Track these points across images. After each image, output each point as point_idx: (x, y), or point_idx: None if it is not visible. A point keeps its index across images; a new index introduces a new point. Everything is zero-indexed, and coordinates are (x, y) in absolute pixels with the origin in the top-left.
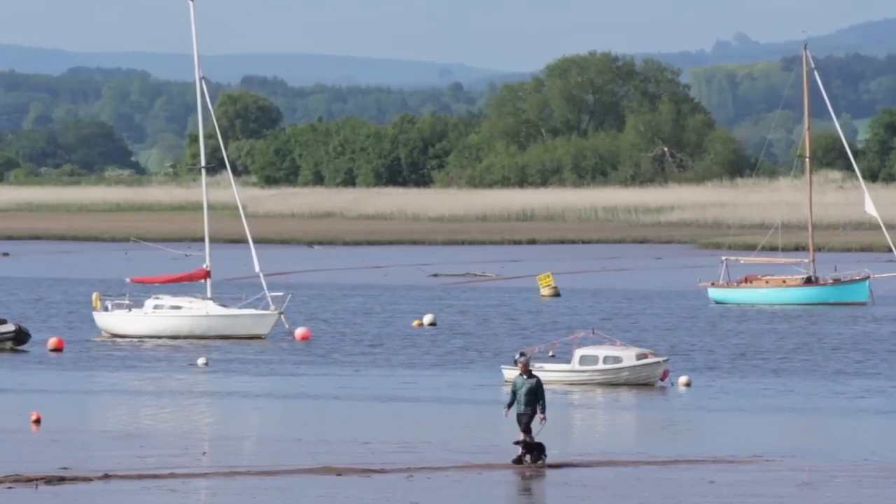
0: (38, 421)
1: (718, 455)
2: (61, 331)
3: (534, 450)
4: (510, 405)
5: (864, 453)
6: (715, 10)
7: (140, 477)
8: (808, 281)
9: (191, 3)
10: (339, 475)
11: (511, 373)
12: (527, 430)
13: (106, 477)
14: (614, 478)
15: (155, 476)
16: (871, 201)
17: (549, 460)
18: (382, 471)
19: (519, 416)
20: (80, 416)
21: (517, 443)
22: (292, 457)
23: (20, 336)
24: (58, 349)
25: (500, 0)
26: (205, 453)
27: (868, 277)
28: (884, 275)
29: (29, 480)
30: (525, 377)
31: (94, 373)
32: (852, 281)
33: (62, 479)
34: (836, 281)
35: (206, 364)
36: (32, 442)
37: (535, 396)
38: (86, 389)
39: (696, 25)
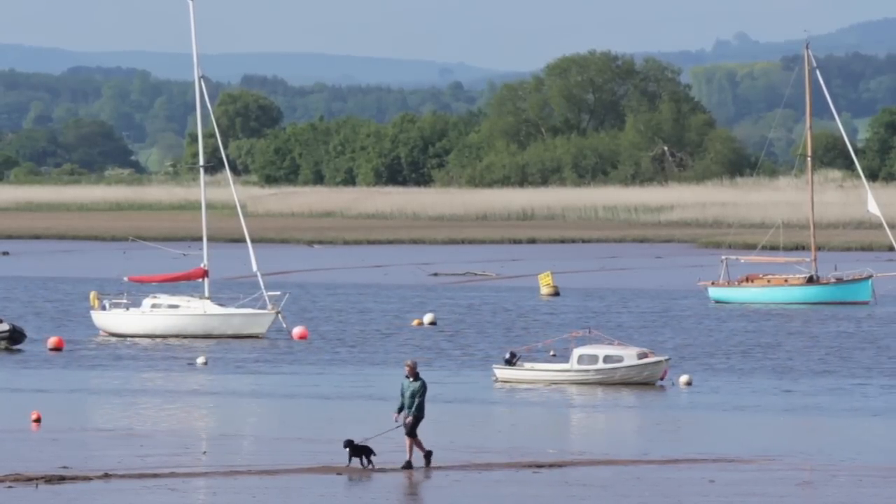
0: (38, 420)
1: (718, 454)
2: (59, 330)
3: (360, 454)
4: (400, 409)
5: (864, 453)
6: (715, 9)
7: (140, 476)
8: (811, 280)
9: (190, 3)
10: (339, 475)
11: (503, 372)
12: (412, 433)
13: (106, 476)
14: (614, 477)
15: (155, 475)
16: (873, 200)
17: (548, 460)
18: (382, 470)
19: (405, 419)
20: (79, 415)
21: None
22: (292, 456)
23: (15, 336)
24: (58, 348)
25: (501, 0)
26: (205, 452)
27: (871, 277)
28: (887, 274)
29: (29, 480)
30: (411, 379)
31: (93, 372)
32: (855, 280)
33: (62, 479)
34: (839, 280)
35: (206, 363)
36: (32, 441)
37: (420, 399)
38: (85, 389)
39: (696, 25)
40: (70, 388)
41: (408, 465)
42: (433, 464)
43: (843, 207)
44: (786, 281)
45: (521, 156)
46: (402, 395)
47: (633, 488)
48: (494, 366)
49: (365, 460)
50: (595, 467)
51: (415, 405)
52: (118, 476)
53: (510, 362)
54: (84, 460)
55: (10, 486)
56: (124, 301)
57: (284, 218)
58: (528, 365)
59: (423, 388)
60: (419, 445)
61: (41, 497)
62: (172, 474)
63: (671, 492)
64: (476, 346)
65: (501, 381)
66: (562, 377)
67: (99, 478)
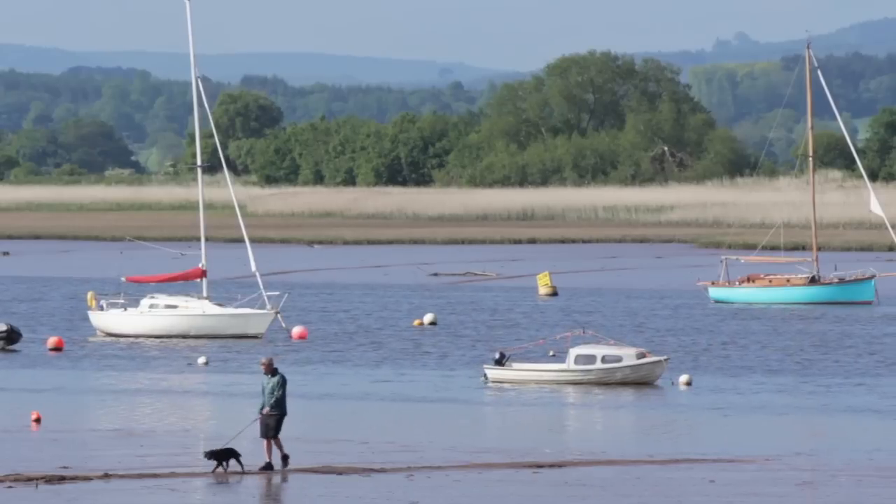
0: (38, 420)
1: (718, 454)
2: (56, 330)
3: (227, 458)
4: (263, 408)
5: (864, 453)
6: (715, 9)
7: (140, 476)
8: (813, 280)
9: (187, 3)
10: (340, 475)
11: (496, 373)
12: (275, 434)
13: (106, 476)
14: (614, 477)
15: (155, 475)
16: (876, 200)
17: (548, 460)
18: (382, 470)
19: (264, 418)
20: (79, 415)
21: (211, 454)
22: (292, 456)
23: (12, 336)
24: (58, 348)
25: (501, 0)
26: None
27: (874, 277)
28: (890, 274)
29: (29, 480)
30: (269, 376)
31: (94, 372)
32: (857, 280)
33: (62, 479)
34: (841, 280)
35: (207, 363)
36: (32, 441)
37: (279, 394)
38: (85, 388)
39: (696, 25)
40: (70, 388)
41: (267, 467)
42: (433, 464)
43: (843, 207)
44: (788, 281)
45: (521, 156)
46: (263, 393)
47: (633, 488)
48: (485, 366)
49: (235, 463)
50: (595, 467)
51: (274, 400)
52: (118, 476)
53: (500, 362)
54: (84, 460)
55: (10, 486)
56: (121, 301)
57: (284, 218)
58: (519, 365)
59: (283, 382)
60: (279, 446)
61: (41, 497)
62: (172, 474)
63: (671, 492)
64: (475, 346)
65: (493, 382)
66: (558, 377)
67: (99, 478)
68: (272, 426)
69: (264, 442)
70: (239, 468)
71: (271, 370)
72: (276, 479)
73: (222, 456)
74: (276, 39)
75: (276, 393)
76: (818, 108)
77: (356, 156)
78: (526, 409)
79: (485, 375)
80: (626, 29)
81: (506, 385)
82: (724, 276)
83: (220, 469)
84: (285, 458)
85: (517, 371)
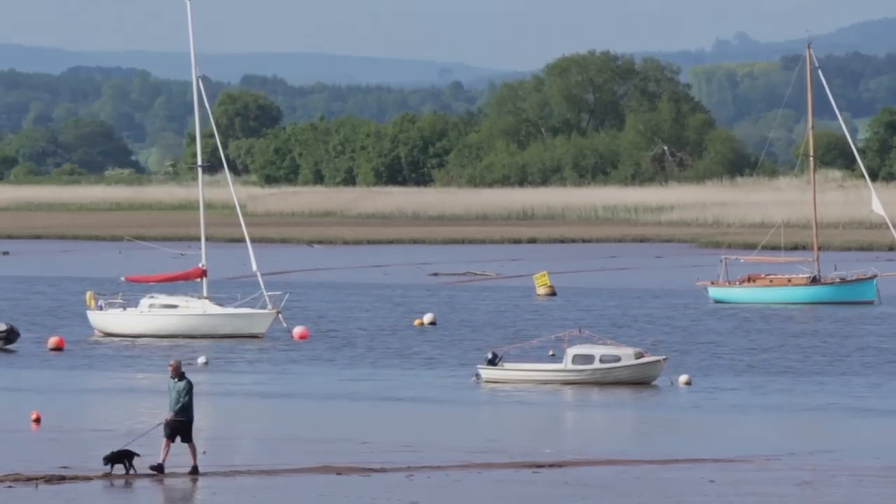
0: (38, 420)
1: (718, 454)
2: (56, 330)
3: (121, 460)
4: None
5: (864, 453)
6: (715, 9)
7: (140, 476)
8: (814, 280)
9: (188, 2)
10: (339, 474)
11: (487, 373)
12: (172, 437)
13: (106, 476)
14: (614, 477)
15: (155, 475)
16: (878, 200)
17: (548, 460)
18: (382, 470)
19: (171, 422)
20: (79, 415)
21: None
22: (292, 456)
23: (11, 336)
24: (58, 348)
25: (500, 0)
26: (204, 452)
27: (875, 276)
28: (891, 273)
29: (29, 480)
30: (176, 380)
31: (93, 372)
32: (859, 280)
33: (62, 479)
34: (843, 280)
35: (206, 363)
36: (32, 441)
37: (185, 400)
38: (85, 388)
39: (696, 25)
40: (70, 388)
41: (158, 469)
42: (433, 463)
43: (842, 207)
44: (789, 281)
45: (521, 156)
46: (170, 396)
47: (633, 488)
48: (479, 366)
49: (127, 464)
50: (595, 467)
51: (180, 406)
52: (118, 476)
53: (492, 362)
54: (84, 460)
55: (10, 486)
56: (119, 301)
57: (284, 218)
58: (511, 365)
59: (189, 387)
60: (192, 453)
61: (41, 497)
62: (172, 474)
63: (671, 492)
64: (475, 346)
65: (487, 382)
66: (554, 377)
67: (99, 478)
68: (180, 431)
69: (164, 441)
70: (132, 470)
71: (178, 374)
72: (276, 479)
73: (120, 457)
74: (276, 39)
75: (182, 399)
76: (818, 107)
77: (356, 156)
78: (525, 409)
79: (477, 375)
80: (626, 29)
81: (499, 385)
82: (724, 275)
83: (117, 470)
84: (195, 469)
85: (511, 371)
